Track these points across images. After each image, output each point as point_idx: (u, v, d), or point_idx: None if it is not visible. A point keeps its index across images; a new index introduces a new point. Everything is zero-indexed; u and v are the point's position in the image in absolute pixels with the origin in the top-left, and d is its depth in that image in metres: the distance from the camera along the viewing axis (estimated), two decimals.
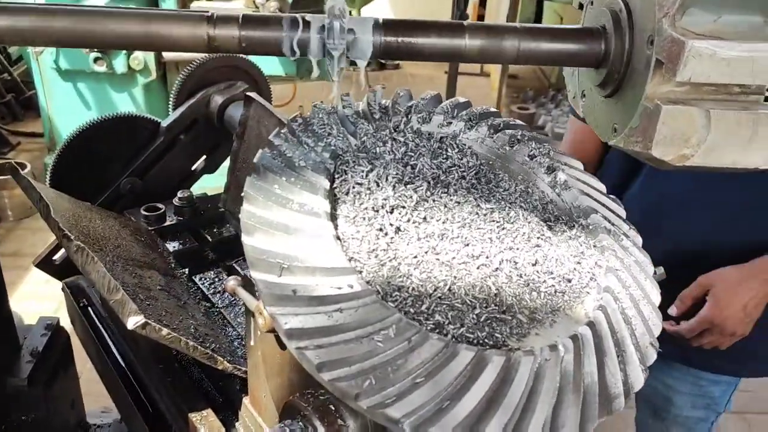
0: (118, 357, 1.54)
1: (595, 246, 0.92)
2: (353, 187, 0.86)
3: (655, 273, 1.32)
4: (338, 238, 0.82)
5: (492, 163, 1.03)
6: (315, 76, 1.04)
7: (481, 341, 0.78)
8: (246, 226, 0.81)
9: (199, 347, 1.12)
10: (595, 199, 0.99)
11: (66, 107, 4.63)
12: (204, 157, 2.03)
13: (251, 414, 1.20)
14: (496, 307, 0.82)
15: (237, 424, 1.27)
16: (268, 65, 4.07)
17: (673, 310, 1.68)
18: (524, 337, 0.80)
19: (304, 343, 0.74)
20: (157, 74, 4.54)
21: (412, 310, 0.78)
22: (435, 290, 0.81)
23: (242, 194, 0.84)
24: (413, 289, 0.80)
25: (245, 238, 0.80)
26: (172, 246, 1.68)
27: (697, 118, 0.89)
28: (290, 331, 0.74)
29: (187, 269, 1.61)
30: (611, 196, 1.19)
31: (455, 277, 0.84)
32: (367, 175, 0.87)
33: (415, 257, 0.84)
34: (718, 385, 1.94)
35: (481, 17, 8.27)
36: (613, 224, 0.96)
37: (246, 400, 1.22)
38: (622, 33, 0.97)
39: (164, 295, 1.38)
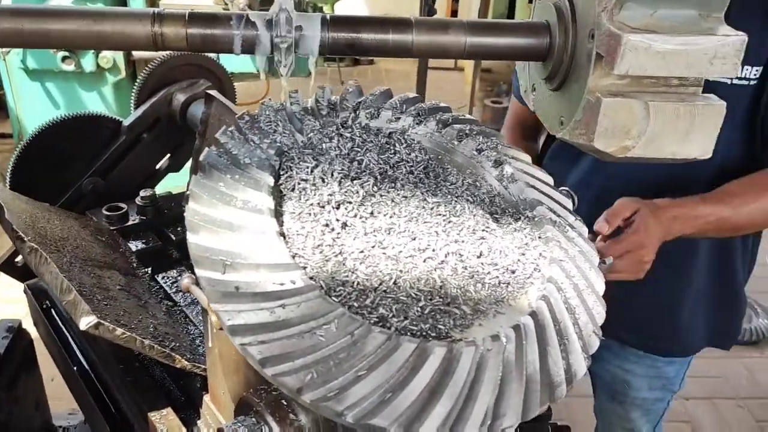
0: (81, 358, 1.53)
1: (540, 237, 0.94)
2: (298, 183, 0.87)
3: (604, 262, 1.35)
4: (283, 234, 0.83)
5: (441, 157, 1.04)
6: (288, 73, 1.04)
7: (424, 333, 0.79)
8: (191, 224, 0.81)
9: (156, 346, 1.13)
10: (542, 192, 1.01)
11: (35, 107, 4.57)
12: (168, 155, 2.02)
13: (212, 411, 1.20)
14: (441, 299, 0.83)
15: (198, 421, 1.28)
16: (239, 62, 4.05)
17: (604, 227, 1.49)
18: (467, 328, 0.82)
19: (247, 339, 0.75)
20: (126, 72, 4.49)
21: (356, 304, 0.79)
22: (380, 284, 0.82)
23: (187, 192, 0.84)
24: (358, 283, 0.81)
25: (189, 236, 0.81)
26: (134, 245, 1.68)
27: (636, 110, 0.91)
28: (233, 328, 0.75)
29: (149, 268, 1.60)
30: (564, 188, 1.21)
31: (401, 271, 0.85)
32: (312, 171, 0.88)
33: (362, 252, 0.85)
34: (672, 366, 2.01)
35: (454, 12, 8.30)
36: (558, 215, 0.97)
37: (206, 398, 1.22)
38: (566, 27, 0.98)
39: (124, 295, 1.37)
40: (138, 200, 1.76)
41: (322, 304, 0.76)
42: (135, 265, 1.59)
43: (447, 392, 0.74)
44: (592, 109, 0.92)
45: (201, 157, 0.88)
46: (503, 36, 1.02)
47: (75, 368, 1.50)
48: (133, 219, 1.75)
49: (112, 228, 1.70)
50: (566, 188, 1.24)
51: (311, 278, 0.80)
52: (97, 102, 4.54)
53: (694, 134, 0.91)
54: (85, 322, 1.04)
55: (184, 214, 0.82)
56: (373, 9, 8.07)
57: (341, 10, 6.29)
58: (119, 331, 1.06)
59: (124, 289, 1.40)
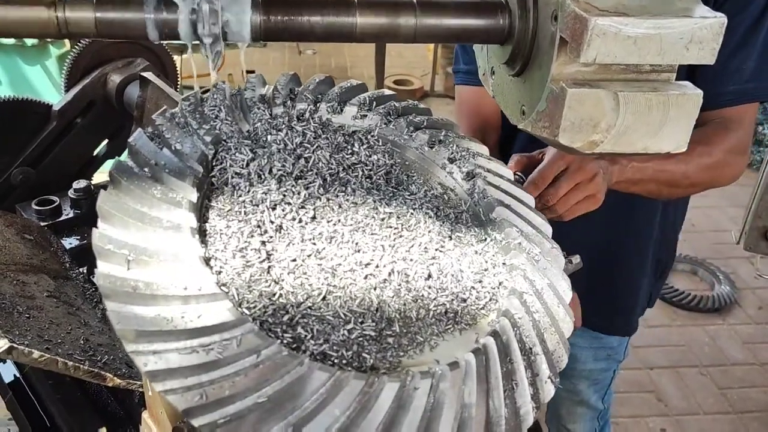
0: (14, 368, 1.42)
1: (504, 264, 0.84)
2: (231, 177, 0.77)
3: (570, 262, 1.26)
4: (204, 231, 0.73)
5: (409, 164, 0.94)
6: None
7: (346, 360, 0.68)
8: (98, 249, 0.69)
9: (81, 366, 1.02)
10: (517, 213, 0.87)
11: None
12: (106, 141, 1.88)
13: (150, 429, 1.11)
14: (373, 324, 0.72)
15: None
16: None
17: (532, 193, 1.26)
18: (398, 359, 0.72)
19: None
20: (71, 44, 4.26)
21: (270, 320, 0.68)
22: (306, 299, 0.72)
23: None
24: (280, 296, 0.71)
25: (99, 264, 0.69)
26: (68, 242, 1.55)
27: (605, 101, 0.81)
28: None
29: (84, 268, 1.48)
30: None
31: (335, 286, 0.74)
32: (247, 165, 0.77)
33: (294, 260, 0.75)
34: (615, 336, 2.04)
35: None
36: (531, 242, 0.85)
37: (145, 414, 1.13)
38: (526, 7, 0.88)
39: (52, 302, 1.26)
40: (71, 193, 1.62)
41: (226, 315, 0.64)
42: (68, 265, 1.46)
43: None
44: (556, 100, 0.82)
45: (130, 138, 0.77)
46: (457, 17, 0.91)
47: (3, 379, 1.38)
48: (67, 213, 1.62)
49: (43, 224, 1.57)
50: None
51: (223, 285, 0.69)
52: (41, 76, 4.32)
53: (667, 127, 0.82)
54: None
55: (92, 238, 0.71)
56: None
57: None
58: (36, 353, 0.95)
59: (53, 296, 1.29)
